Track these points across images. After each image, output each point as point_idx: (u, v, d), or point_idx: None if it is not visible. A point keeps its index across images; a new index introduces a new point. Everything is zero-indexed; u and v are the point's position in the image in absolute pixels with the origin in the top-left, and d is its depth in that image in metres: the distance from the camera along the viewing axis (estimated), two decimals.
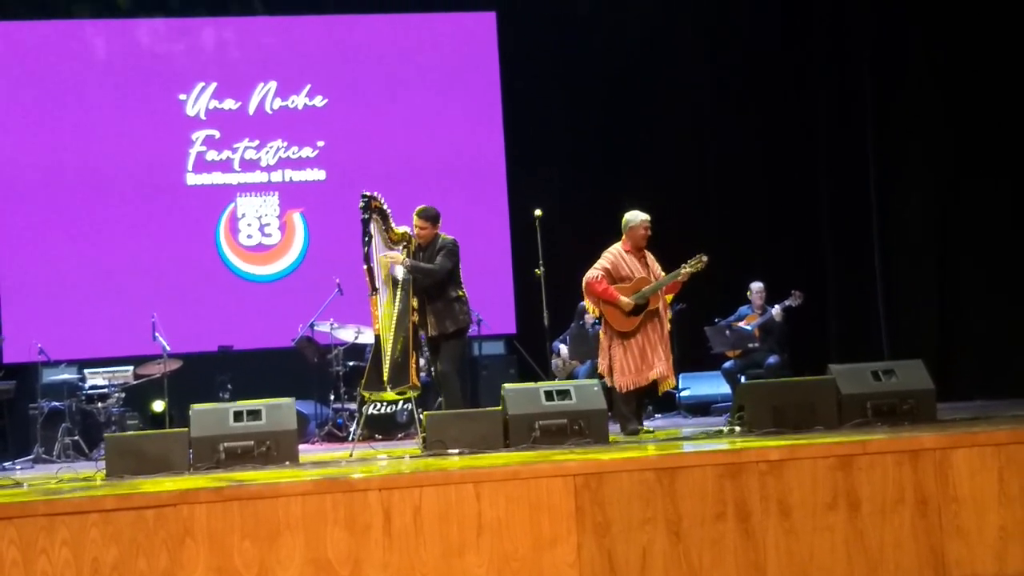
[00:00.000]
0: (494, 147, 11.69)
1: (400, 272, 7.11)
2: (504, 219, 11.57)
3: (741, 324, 9.91)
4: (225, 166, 11.35)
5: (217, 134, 11.33)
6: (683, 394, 10.38)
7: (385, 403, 9.18)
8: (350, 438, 8.56)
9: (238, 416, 6.24)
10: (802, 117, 11.39)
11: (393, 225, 7.14)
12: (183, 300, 10.85)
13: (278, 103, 11.46)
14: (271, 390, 7.49)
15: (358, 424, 8.42)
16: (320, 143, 11.47)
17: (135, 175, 11.11)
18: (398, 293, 7.11)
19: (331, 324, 9.80)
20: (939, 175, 10.50)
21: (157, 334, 9.50)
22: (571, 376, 10.03)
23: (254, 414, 6.26)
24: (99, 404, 9.41)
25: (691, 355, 10.30)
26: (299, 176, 11.45)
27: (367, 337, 9.35)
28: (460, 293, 7.29)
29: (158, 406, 9.87)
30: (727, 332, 9.86)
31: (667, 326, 7.47)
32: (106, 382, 9.56)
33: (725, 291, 10.37)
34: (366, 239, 6.98)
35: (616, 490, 4.68)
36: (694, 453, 5.11)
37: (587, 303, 7.60)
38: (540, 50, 11.71)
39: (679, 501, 4.72)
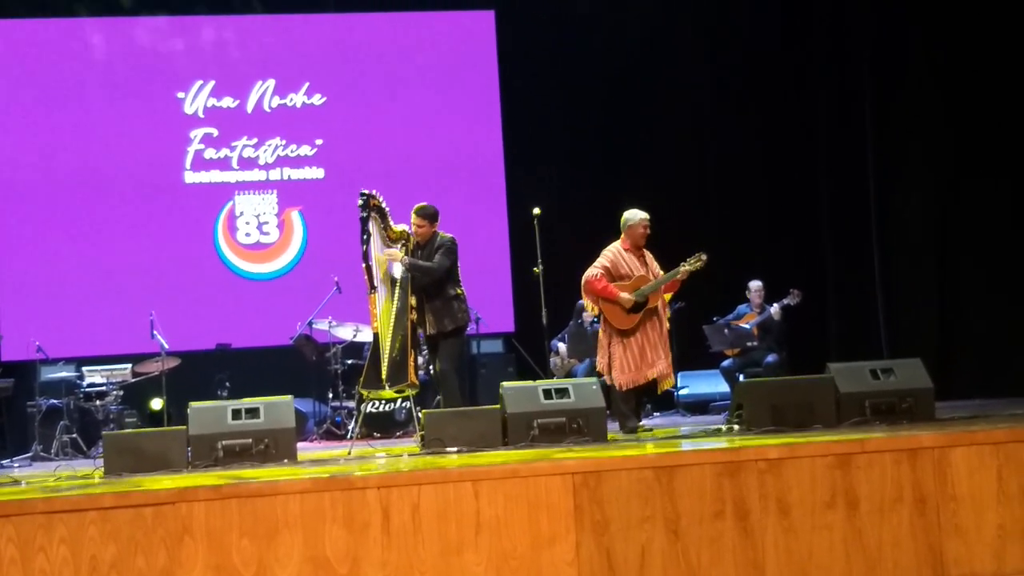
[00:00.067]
0: (493, 146, 11.68)
1: (398, 270, 7.11)
2: (503, 217, 11.56)
3: (740, 323, 9.92)
4: (223, 164, 11.34)
5: (215, 132, 11.32)
6: (682, 392, 10.38)
7: (383, 401, 9.17)
8: (348, 436, 8.55)
9: (236, 414, 6.23)
10: (802, 117, 11.39)
11: (392, 223, 7.13)
12: (181, 298, 10.84)
13: (276, 101, 11.45)
14: (269, 388, 7.50)
15: (356, 422, 8.41)
16: (319, 141, 11.46)
17: (133, 173, 11.10)
18: (397, 291, 7.10)
19: (329, 322, 9.80)
20: (939, 175, 10.50)
21: (155, 332, 9.50)
22: (570, 374, 10.03)
23: (252, 412, 6.25)
24: (97, 402, 9.41)
25: (690, 353, 10.29)
26: (297, 174, 11.44)
27: (365, 335, 9.36)
28: (459, 291, 7.28)
29: (156, 404, 9.86)
30: (726, 331, 9.86)
31: (666, 325, 7.47)
32: (104, 380, 9.56)
33: (724, 290, 10.37)
34: (365, 237, 6.97)
35: (615, 488, 4.68)
36: (693, 452, 5.11)
37: (586, 301, 7.59)
38: (539, 49, 11.71)
39: (678, 499, 4.71)
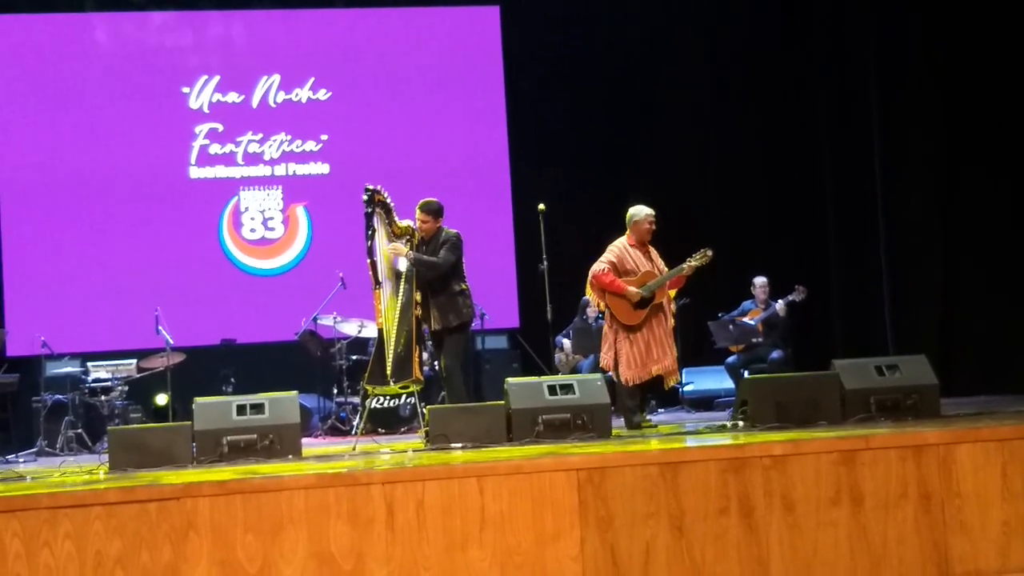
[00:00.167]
0: (498, 142, 11.69)
1: (403, 265, 7.10)
2: (507, 214, 11.57)
3: (745, 319, 9.91)
4: (228, 159, 11.35)
5: (220, 127, 11.33)
6: (686, 389, 10.36)
7: (388, 397, 9.18)
8: (353, 432, 8.56)
9: (241, 410, 6.25)
10: (802, 117, 11.39)
11: (396, 219, 7.12)
12: (186, 294, 10.85)
13: (281, 96, 11.46)
14: (274, 384, 7.47)
15: (361, 418, 8.41)
16: (324, 137, 11.47)
17: (138, 168, 11.12)
18: (401, 287, 7.09)
19: (334, 318, 9.80)
20: (939, 175, 10.48)
21: (160, 327, 9.52)
22: (574, 370, 10.03)
23: (257, 408, 6.27)
24: (102, 397, 9.42)
25: (694, 350, 10.29)
26: (302, 170, 11.45)
27: (370, 331, 9.35)
28: (463, 287, 7.27)
29: (161, 399, 9.87)
30: (730, 327, 9.85)
31: (671, 320, 7.47)
32: (109, 375, 9.57)
33: (729, 286, 10.36)
34: (369, 232, 6.96)
35: (619, 484, 4.68)
36: (697, 448, 5.09)
37: (592, 296, 7.58)
38: (543, 49, 11.72)
39: (682, 496, 4.71)
